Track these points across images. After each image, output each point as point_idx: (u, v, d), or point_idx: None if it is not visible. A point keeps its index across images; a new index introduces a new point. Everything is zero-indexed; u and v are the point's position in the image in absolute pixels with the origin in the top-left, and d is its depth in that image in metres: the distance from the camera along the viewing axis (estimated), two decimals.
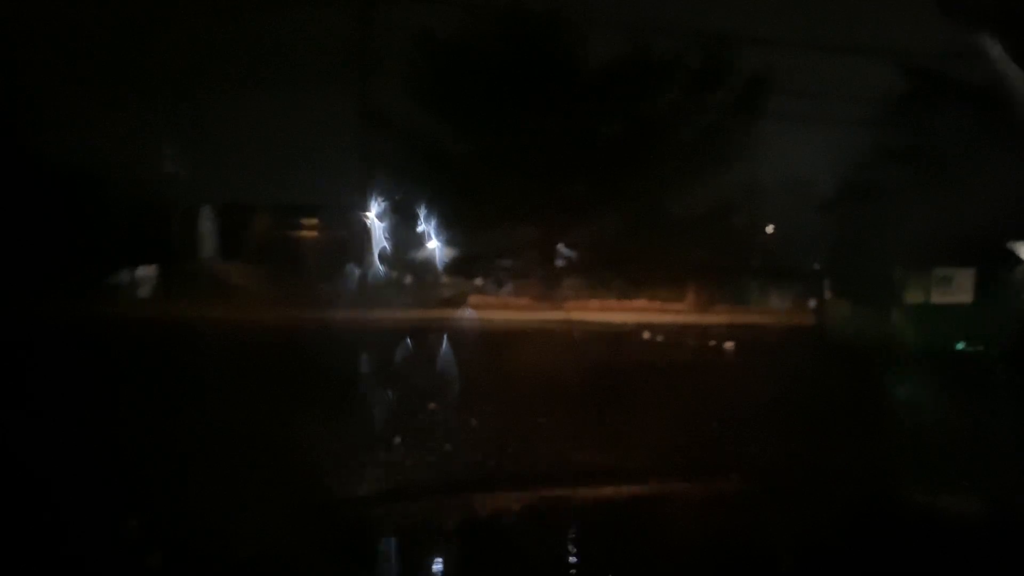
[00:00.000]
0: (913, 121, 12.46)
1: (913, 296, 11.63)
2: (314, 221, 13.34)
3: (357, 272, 12.51)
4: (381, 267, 12.61)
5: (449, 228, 13.05)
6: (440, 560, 5.51)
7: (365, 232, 12.64)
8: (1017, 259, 11.77)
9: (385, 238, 12.70)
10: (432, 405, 9.03)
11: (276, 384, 8.57)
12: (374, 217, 12.68)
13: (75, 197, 11.40)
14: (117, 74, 12.21)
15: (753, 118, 13.11)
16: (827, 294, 12.53)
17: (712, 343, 11.49)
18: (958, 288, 11.57)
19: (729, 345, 11.30)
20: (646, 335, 11.71)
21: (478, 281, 13.38)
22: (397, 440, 7.89)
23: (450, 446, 7.88)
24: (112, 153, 11.73)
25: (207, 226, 13.15)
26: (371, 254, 12.59)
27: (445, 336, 11.21)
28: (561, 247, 13.28)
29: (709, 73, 13.12)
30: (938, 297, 11.58)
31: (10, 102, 11.38)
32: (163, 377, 8.81)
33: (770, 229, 14.18)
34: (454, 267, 13.08)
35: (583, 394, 8.73)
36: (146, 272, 12.41)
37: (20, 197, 10.56)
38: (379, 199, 12.79)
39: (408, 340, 11.08)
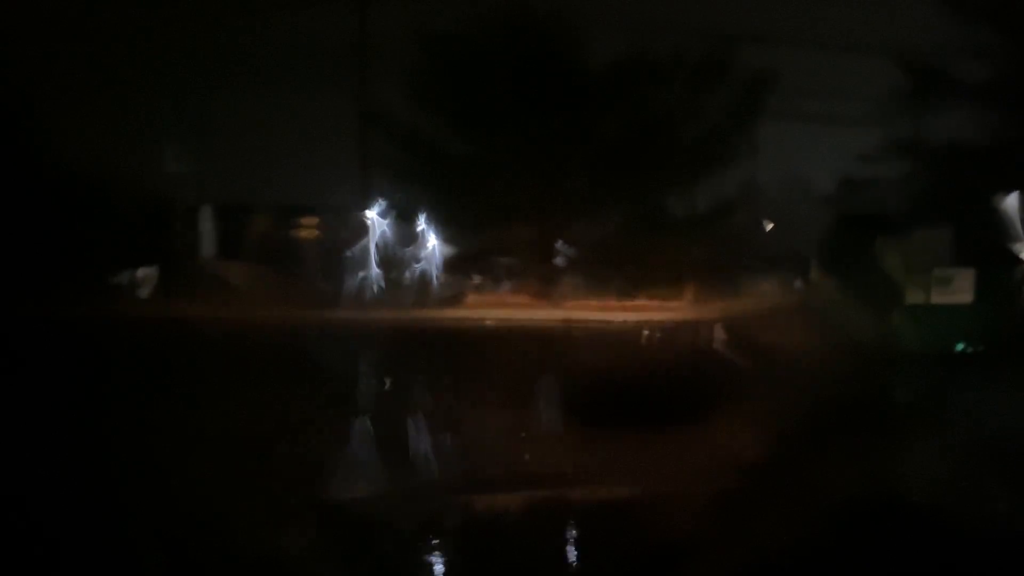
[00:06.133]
0: (914, 118, 12.45)
1: (912, 296, 11.62)
2: (314, 221, 13.31)
3: (357, 272, 12.49)
4: (380, 267, 12.59)
5: (448, 227, 13.03)
6: (440, 560, 5.53)
7: (365, 231, 12.62)
8: (1017, 259, 11.77)
9: (384, 237, 12.68)
10: (431, 405, 9.04)
11: (276, 384, 8.57)
12: (374, 216, 12.66)
13: (74, 197, 11.38)
14: (117, 72, 12.19)
15: (755, 116, 13.08)
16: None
17: (710, 342, 11.50)
18: (958, 288, 11.56)
19: (726, 342, 11.32)
20: (645, 334, 11.73)
21: (477, 280, 13.35)
22: (397, 440, 7.90)
23: (450, 447, 7.88)
24: (112, 152, 11.70)
25: (207, 226, 13.11)
26: (371, 254, 12.57)
27: (444, 336, 11.21)
28: (561, 245, 13.26)
29: (710, 71, 13.09)
30: (938, 297, 11.57)
31: (8, 101, 11.37)
32: (163, 377, 8.81)
33: (769, 226, 14.15)
34: (453, 266, 13.06)
35: (582, 394, 8.73)
36: (146, 272, 12.39)
37: (18, 197, 10.54)
38: (379, 198, 12.77)
39: (407, 340, 11.08)
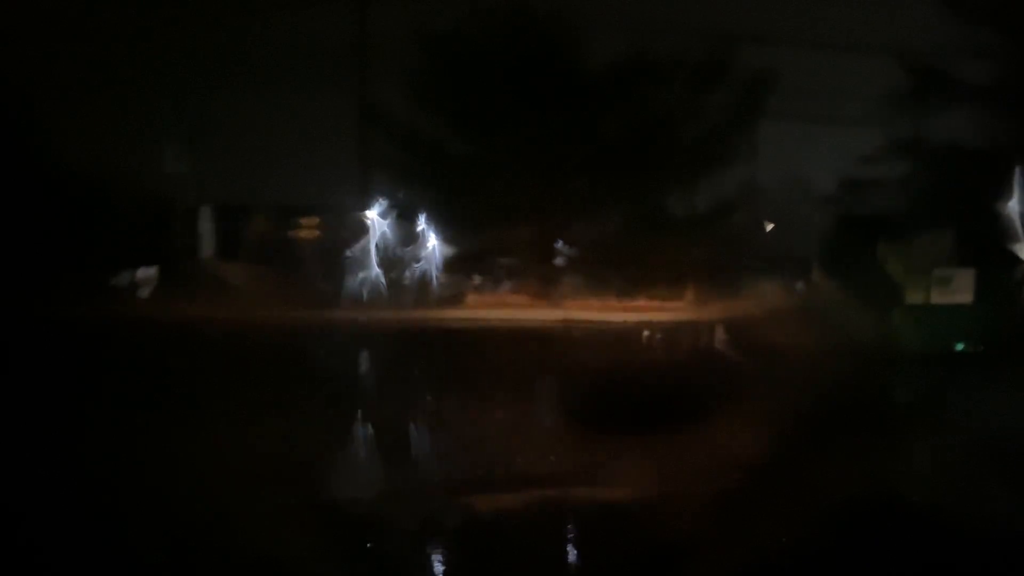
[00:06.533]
0: (914, 118, 12.45)
1: (913, 296, 11.63)
2: (314, 221, 13.32)
3: (357, 272, 12.50)
4: (380, 267, 12.60)
5: (448, 227, 13.04)
6: (440, 560, 5.53)
7: (365, 231, 12.63)
8: (1017, 259, 11.77)
9: (385, 237, 12.69)
10: (431, 405, 9.04)
11: (276, 384, 8.57)
12: (374, 216, 12.67)
13: (74, 197, 11.38)
14: (117, 72, 12.19)
15: (754, 116, 13.08)
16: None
17: (710, 342, 11.51)
18: (958, 288, 11.57)
19: (726, 342, 11.33)
20: (645, 334, 11.74)
21: (477, 280, 13.36)
22: (396, 440, 7.90)
23: (449, 447, 7.88)
24: (112, 152, 11.71)
25: (207, 226, 13.13)
26: (371, 254, 12.58)
27: (444, 336, 11.21)
28: (561, 245, 13.27)
29: (710, 71, 13.09)
30: (938, 297, 11.59)
31: (8, 100, 11.37)
32: (163, 377, 8.81)
33: (769, 227, 14.15)
34: (453, 266, 13.07)
35: (582, 394, 8.73)
36: (146, 272, 12.40)
37: (19, 197, 10.55)
38: (379, 198, 12.78)
39: (407, 340, 11.08)
